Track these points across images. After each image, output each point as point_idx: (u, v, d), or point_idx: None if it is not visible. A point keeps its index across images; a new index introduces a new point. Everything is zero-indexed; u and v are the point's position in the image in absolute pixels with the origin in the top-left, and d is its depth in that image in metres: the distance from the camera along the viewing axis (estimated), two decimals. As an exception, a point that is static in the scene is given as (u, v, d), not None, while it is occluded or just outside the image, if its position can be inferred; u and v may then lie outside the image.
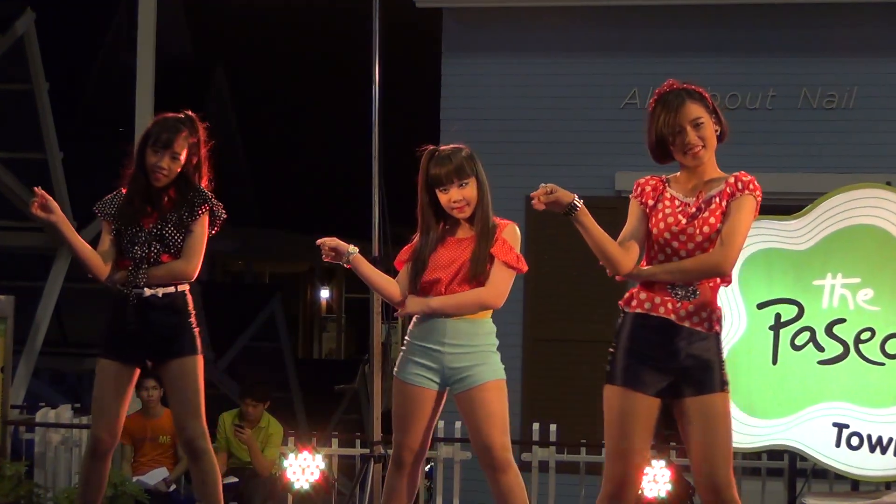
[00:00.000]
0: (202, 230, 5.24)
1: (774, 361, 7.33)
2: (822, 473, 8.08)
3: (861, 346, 7.32)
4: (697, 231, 4.27)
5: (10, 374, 9.41)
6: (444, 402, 5.08)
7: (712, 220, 4.26)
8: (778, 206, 7.42)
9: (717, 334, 4.42)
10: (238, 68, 19.71)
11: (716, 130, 4.32)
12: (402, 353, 5.08)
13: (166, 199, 5.23)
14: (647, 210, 4.37)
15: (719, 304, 4.48)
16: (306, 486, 7.62)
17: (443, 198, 4.80)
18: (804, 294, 7.41)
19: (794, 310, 7.36)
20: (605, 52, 10.59)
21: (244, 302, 17.80)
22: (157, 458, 8.54)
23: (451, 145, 5.03)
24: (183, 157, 5.22)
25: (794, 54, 10.41)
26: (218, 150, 5.55)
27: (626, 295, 4.36)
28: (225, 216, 5.41)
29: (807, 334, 7.43)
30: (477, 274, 4.84)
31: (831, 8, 10.24)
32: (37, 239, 13.33)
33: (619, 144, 9.76)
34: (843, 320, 7.34)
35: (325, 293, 25.57)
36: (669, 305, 4.27)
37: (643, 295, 4.29)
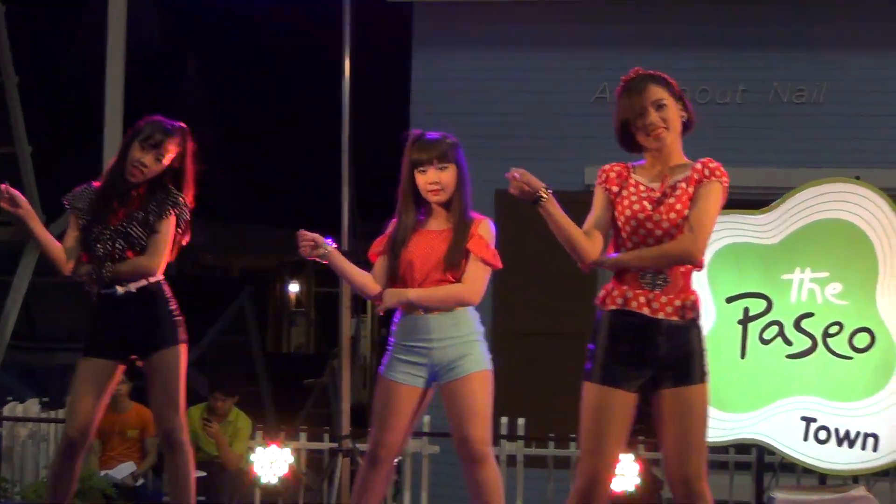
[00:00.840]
0: (168, 230, 5.27)
1: (743, 355, 7.33)
2: (789, 467, 8.11)
3: (829, 340, 7.35)
4: (664, 217, 4.27)
5: None
6: (428, 399, 5.12)
7: (679, 205, 4.25)
8: (748, 201, 7.52)
9: (695, 321, 4.42)
10: (210, 61, 19.68)
11: (682, 117, 4.36)
12: (388, 353, 5.11)
13: (136, 196, 5.26)
14: (613, 196, 4.37)
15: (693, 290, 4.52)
16: (274, 481, 7.65)
17: (420, 179, 4.82)
18: (773, 288, 7.45)
19: (762, 304, 7.39)
20: (576, 47, 10.62)
21: (214, 295, 17.54)
22: (125, 453, 8.64)
23: (439, 133, 5.09)
24: (166, 161, 5.25)
25: (765, 49, 10.46)
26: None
27: (602, 293, 4.38)
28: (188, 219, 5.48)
29: (775, 328, 7.45)
30: (452, 266, 4.87)
31: (802, 3, 10.37)
32: (5, 233, 13.34)
33: (588, 139, 9.80)
34: (811, 314, 7.37)
35: (294, 287, 25.50)
36: (643, 298, 4.27)
37: (616, 291, 4.29)
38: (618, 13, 10.54)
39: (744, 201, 7.10)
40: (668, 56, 10.03)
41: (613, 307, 4.29)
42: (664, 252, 4.22)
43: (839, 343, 7.35)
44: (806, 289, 7.50)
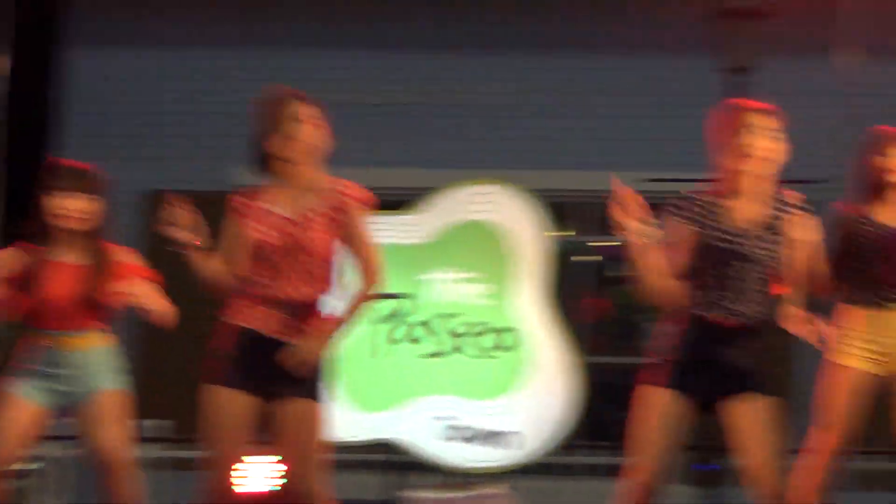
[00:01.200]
0: None
1: (374, 354, 7.71)
2: (424, 467, 8.45)
3: (471, 339, 7.89)
4: (302, 245, 4.37)
5: None
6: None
7: (319, 233, 4.30)
8: (394, 202, 7.83)
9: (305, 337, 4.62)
10: None
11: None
12: None
13: None
14: (241, 223, 4.45)
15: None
16: None
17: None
18: (413, 288, 7.81)
19: (399, 304, 7.77)
20: (233, 46, 11.05)
21: None
22: None
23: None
24: None
25: (408, 51, 11.03)
26: None
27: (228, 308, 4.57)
28: None
29: (408, 329, 7.91)
30: None
31: (437, 4, 11.05)
32: None
33: (240, 139, 10.51)
34: (453, 315, 7.79)
35: None
36: (273, 322, 4.52)
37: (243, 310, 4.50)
38: (258, 12, 11.22)
39: (390, 202, 7.45)
40: (320, 56, 10.47)
41: (244, 324, 4.58)
42: (363, 303, 4.70)
43: (482, 343, 7.87)
44: (449, 289, 7.91)
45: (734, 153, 4.24)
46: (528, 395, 8.03)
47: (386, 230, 7.67)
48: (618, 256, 8.99)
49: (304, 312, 4.49)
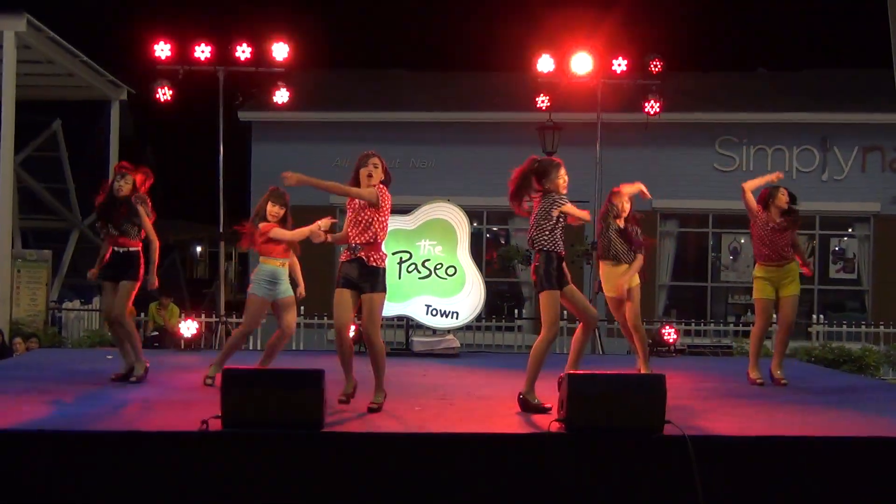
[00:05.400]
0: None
1: (399, 277, 13.23)
2: (420, 327, 14.16)
3: (437, 271, 13.47)
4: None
5: (50, 286, 16.31)
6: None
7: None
8: (403, 210, 13.76)
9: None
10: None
11: None
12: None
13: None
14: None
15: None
16: (188, 336, 13.49)
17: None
18: (413, 248, 13.42)
19: (407, 254, 13.37)
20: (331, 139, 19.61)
21: (163, 252, 27.00)
22: None
23: None
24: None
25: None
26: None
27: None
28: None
29: (413, 265, 13.36)
30: None
31: None
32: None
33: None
34: (429, 259, 13.42)
35: (198, 248, 44.73)
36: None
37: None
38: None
39: (401, 210, 13.21)
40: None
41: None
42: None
43: (441, 272, 13.46)
44: (427, 249, 13.48)
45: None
46: (463, 295, 13.45)
47: (399, 222, 13.20)
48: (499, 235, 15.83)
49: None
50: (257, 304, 9.22)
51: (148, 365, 9.51)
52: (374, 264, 7.86)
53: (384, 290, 8.01)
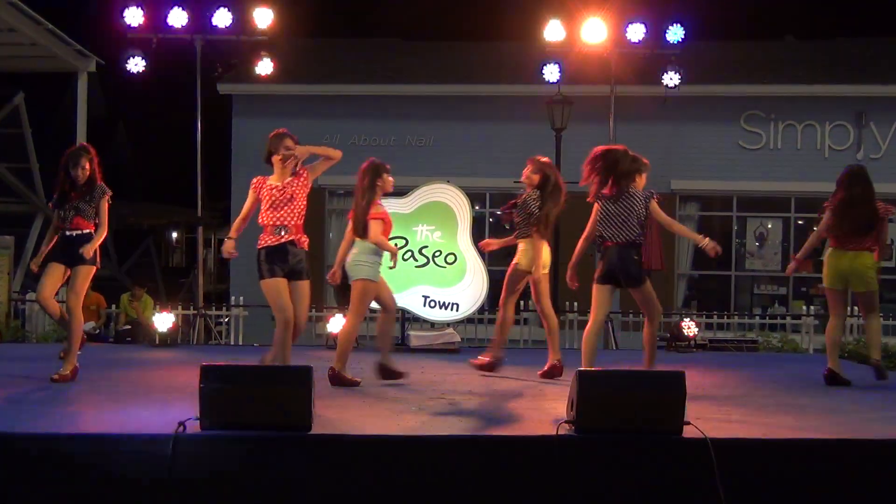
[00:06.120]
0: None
1: (394, 266, 11.41)
2: (416, 319, 14.16)
3: (436, 258, 13.37)
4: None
5: (13, 276, 16.30)
6: None
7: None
8: (400, 192, 13.64)
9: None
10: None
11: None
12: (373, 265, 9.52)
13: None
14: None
15: None
16: (163, 330, 13.50)
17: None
18: (409, 234, 13.32)
19: (403, 241, 13.20)
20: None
21: (136, 238, 29.22)
22: (89, 316, 14.65)
23: None
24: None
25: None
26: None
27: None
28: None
29: (409, 252, 13.27)
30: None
31: None
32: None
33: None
34: (426, 246, 13.35)
35: (174, 234, 45.04)
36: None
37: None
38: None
39: (398, 192, 12.75)
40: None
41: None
42: None
43: (440, 260, 13.35)
44: (424, 234, 13.39)
45: None
46: (464, 285, 13.42)
47: (394, 205, 12.77)
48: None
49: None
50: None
51: (78, 367, 9.57)
52: (303, 247, 8.75)
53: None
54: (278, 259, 8.74)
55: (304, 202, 8.96)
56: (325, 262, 21.94)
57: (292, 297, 8.71)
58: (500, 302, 10.33)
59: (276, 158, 8.84)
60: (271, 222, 8.81)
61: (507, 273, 10.34)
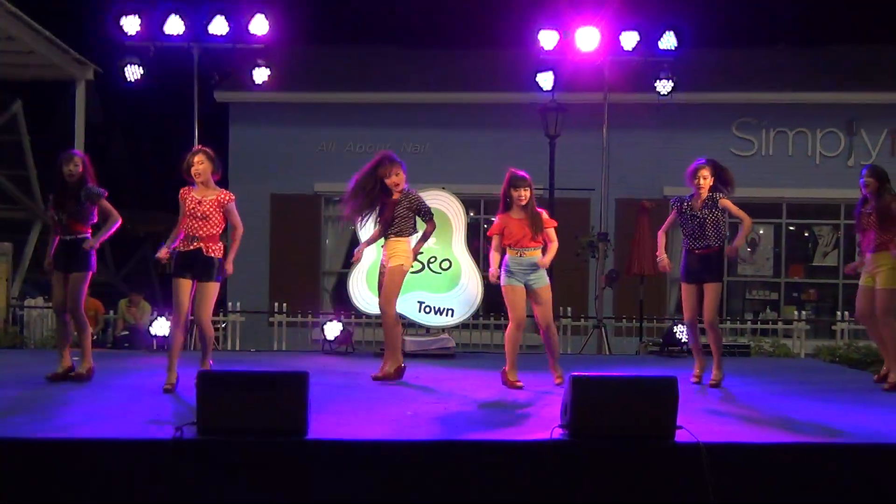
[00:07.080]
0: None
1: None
2: (413, 325, 14.27)
3: (431, 265, 13.42)
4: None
5: (11, 282, 16.40)
6: None
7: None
8: None
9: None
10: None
11: None
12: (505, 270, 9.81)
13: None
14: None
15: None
16: (161, 334, 13.56)
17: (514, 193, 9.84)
18: None
19: None
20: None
21: (134, 246, 30.70)
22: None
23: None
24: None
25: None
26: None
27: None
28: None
29: None
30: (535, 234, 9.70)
31: None
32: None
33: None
34: (421, 252, 12.04)
35: None
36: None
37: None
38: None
39: None
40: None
41: None
42: None
43: (435, 266, 13.40)
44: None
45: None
46: (459, 291, 13.49)
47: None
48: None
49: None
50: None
51: (93, 366, 9.73)
52: (212, 254, 9.14)
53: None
54: (187, 263, 9.13)
55: (220, 219, 9.33)
56: (321, 268, 22.04)
57: (196, 297, 9.11)
58: None
59: (193, 171, 9.25)
60: (186, 231, 9.23)
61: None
